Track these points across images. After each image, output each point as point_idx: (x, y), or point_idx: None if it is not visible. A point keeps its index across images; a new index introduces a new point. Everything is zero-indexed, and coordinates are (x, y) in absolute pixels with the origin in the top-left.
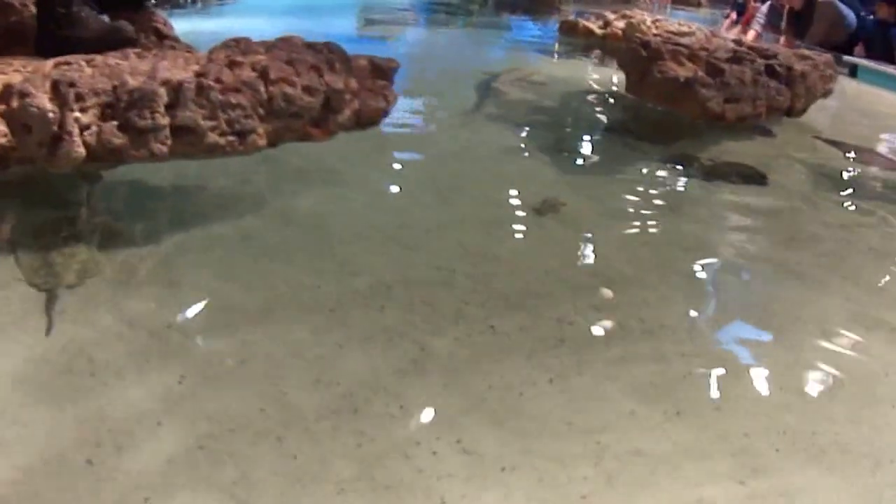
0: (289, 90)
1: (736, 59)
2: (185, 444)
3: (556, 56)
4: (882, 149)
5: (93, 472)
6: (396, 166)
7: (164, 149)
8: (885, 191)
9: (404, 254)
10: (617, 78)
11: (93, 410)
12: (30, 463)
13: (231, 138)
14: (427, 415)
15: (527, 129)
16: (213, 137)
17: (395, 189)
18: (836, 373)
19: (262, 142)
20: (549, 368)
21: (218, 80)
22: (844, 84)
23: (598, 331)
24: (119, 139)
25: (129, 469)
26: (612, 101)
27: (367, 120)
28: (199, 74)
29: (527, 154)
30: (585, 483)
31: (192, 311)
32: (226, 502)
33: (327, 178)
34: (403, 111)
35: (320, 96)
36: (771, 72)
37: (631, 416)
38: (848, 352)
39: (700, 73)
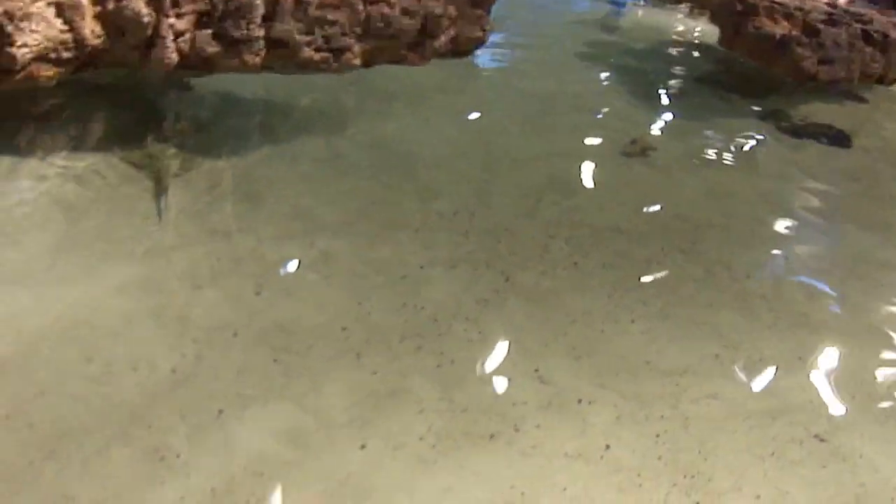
0: (387, 11)
1: (832, 21)
2: (260, 357)
3: (647, 5)
4: None
5: (173, 378)
6: (486, 97)
7: (257, 60)
8: None
9: (490, 182)
10: (705, 30)
11: (172, 318)
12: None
13: (325, 55)
14: (507, 343)
15: (617, 72)
16: (307, 53)
17: (483, 119)
18: None
19: (357, 61)
20: (631, 308)
21: None
22: None
23: (683, 274)
24: (212, 48)
25: (204, 378)
26: (701, 52)
27: (462, 48)
28: None
29: (617, 96)
30: (662, 422)
31: (273, 223)
32: (296, 414)
33: (417, 102)
34: (497, 44)
35: (418, 19)
36: (866, 37)
37: (714, 360)
38: None
39: (795, 32)
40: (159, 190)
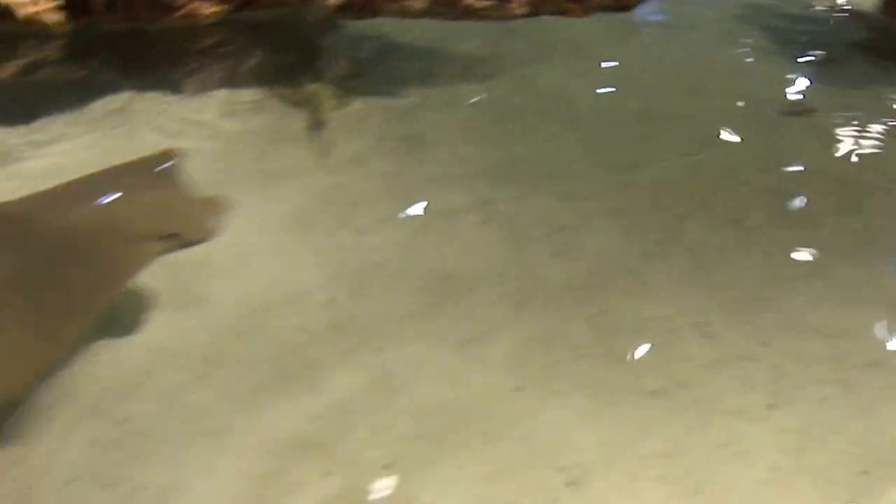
0: None
1: None
2: (420, 299)
3: None
4: None
5: (333, 314)
6: (645, 52)
7: (421, 5)
8: None
9: (650, 136)
10: None
11: (329, 256)
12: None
13: (489, 2)
14: (669, 296)
15: (773, 35)
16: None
17: (640, 74)
18: None
19: (521, 10)
20: (793, 269)
21: None
22: None
23: (850, 238)
24: None
25: (364, 315)
26: (856, 19)
27: (624, 2)
28: None
29: (772, 59)
30: (826, 386)
31: (431, 166)
32: (454, 359)
33: (576, 54)
34: (659, 1)
35: None
36: None
37: (879, 327)
38: None
39: None
40: (317, 128)
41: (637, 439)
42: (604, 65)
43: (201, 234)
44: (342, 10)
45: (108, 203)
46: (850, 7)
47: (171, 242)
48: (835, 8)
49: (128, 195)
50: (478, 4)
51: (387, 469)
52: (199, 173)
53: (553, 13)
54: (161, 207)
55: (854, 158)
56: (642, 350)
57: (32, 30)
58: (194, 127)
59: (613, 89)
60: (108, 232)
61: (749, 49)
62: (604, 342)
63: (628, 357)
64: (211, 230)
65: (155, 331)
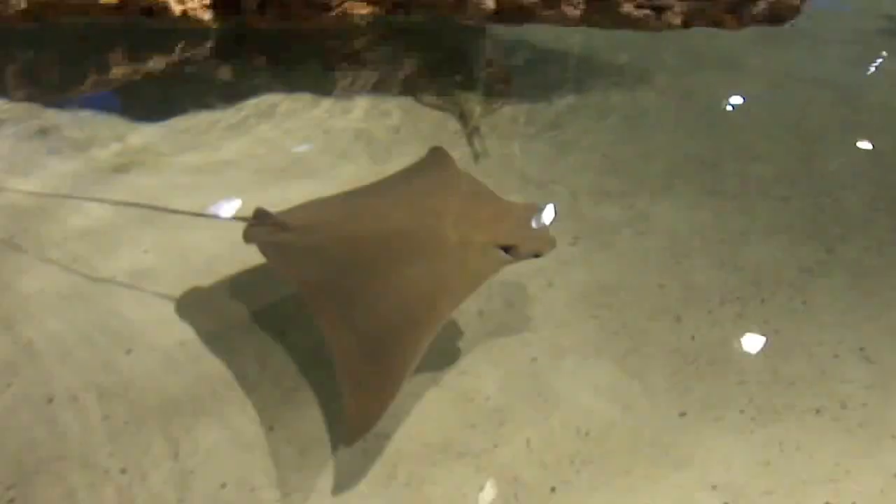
0: None
1: None
2: (575, 309)
3: None
4: None
5: (482, 324)
6: (798, 65)
7: (577, 13)
8: None
9: (807, 150)
10: None
11: None
12: None
13: (647, 12)
14: (831, 317)
15: None
16: (628, 8)
17: (796, 87)
18: None
19: (677, 20)
20: None
21: None
22: None
23: None
24: None
25: (517, 325)
26: None
27: (780, 14)
28: None
29: None
30: None
31: (584, 174)
32: (617, 373)
33: (730, 65)
34: (812, 13)
35: None
36: None
37: None
38: None
39: None
40: (468, 131)
41: (800, 461)
42: (756, 77)
43: (541, 247)
44: (497, 14)
45: (449, 207)
46: None
47: (513, 254)
48: None
49: (456, 200)
50: (635, 14)
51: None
52: (335, 176)
53: (708, 25)
54: (492, 215)
55: None
56: (808, 370)
57: (184, 27)
58: (336, 126)
59: (765, 101)
60: (459, 236)
61: None
62: (770, 362)
63: (795, 378)
64: (551, 243)
65: None
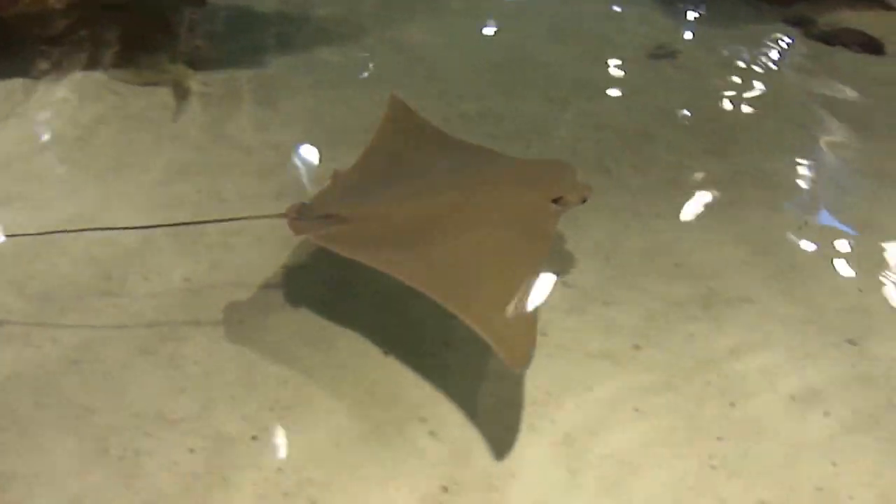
0: None
1: None
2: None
3: None
4: None
5: (187, 288)
6: (507, 4)
7: None
8: None
9: (516, 84)
10: None
11: (189, 231)
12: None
13: None
14: None
15: None
16: None
17: (507, 26)
18: None
19: None
20: (661, 211)
21: None
22: None
23: (712, 177)
24: None
25: (224, 285)
26: None
27: None
28: None
29: (645, 3)
30: (693, 323)
31: (291, 131)
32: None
33: (438, 8)
34: None
35: None
36: None
37: (745, 265)
38: None
39: None
40: (176, 104)
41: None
42: (467, 19)
43: (585, 193)
44: None
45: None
46: None
47: (562, 205)
48: None
49: (483, 161)
50: None
51: None
52: (62, 160)
53: None
54: (528, 172)
55: (720, 98)
56: None
57: None
58: (43, 114)
59: (478, 42)
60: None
61: None
62: None
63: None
64: (589, 189)
65: None
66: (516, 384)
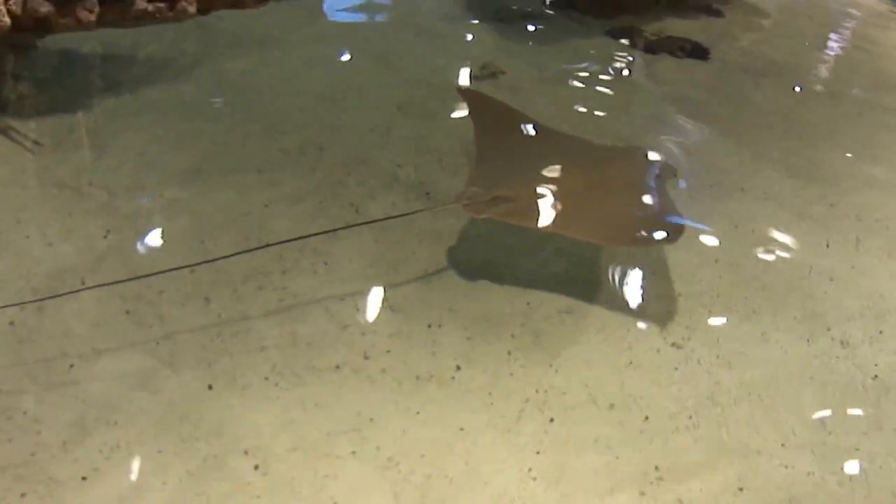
0: None
1: None
2: (109, 306)
3: None
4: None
5: (14, 333)
6: (334, 32)
7: (92, 17)
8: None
9: (338, 115)
10: None
11: (12, 265)
12: None
13: (160, 5)
14: (353, 273)
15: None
16: (141, 4)
17: (331, 53)
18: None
19: (192, 8)
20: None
21: None
22: None
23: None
24: (45, 8)
25: (52, 333)
26: None
27: None
28: None
29: (468, 24)
30: (512, 341)
31: (120, 172)
32: (150, 362)
33: (262, 42)
34: None
35: None
36: None
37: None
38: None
39: None
40: (5, 152)
41: (322, 416)
42: (291, 52)
43: (673, 168)
44: (15, 29)
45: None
46: None
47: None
48: None
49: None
50: (149, 8)
51: None
52: None
53: (228, 7)
54: (621, 156)
55: (543, 115)
56: (329, 329)
57: None
58: None
59: (302, 74)
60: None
61: (444, 17)
62: (289, 328)
63: (314, 339)
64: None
65: None
66: (342, 413)
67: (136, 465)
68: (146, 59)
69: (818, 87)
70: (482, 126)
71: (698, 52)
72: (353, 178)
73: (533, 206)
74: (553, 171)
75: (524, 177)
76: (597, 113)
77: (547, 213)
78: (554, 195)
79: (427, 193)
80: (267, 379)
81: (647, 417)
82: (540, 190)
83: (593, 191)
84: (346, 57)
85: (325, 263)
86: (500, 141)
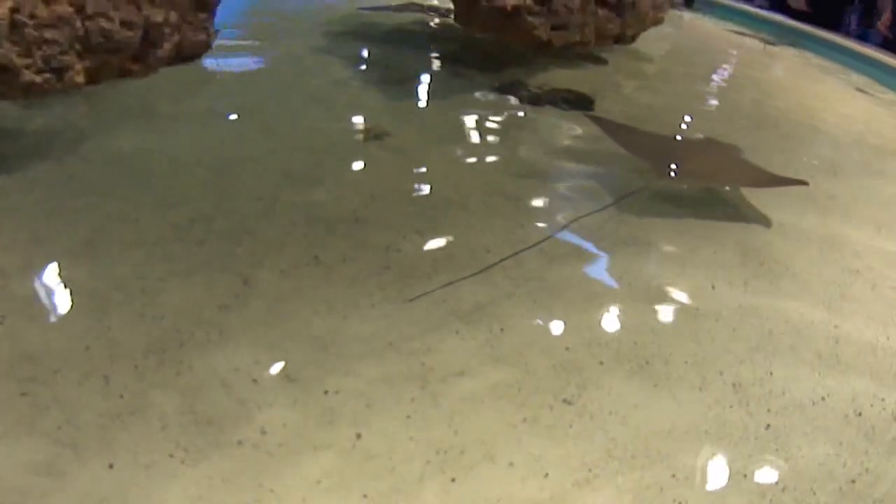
0: (106, 25)
1: None
2: (6, 390)
3: None
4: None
5: None
6: (221, 100)
7: None
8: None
9: (226, 185)
10: (444, 9)
11: None
12: None
13: (48, 76)
14: (248, 344)
15: (355, 61)
16: (28, 76)
17: (219, 122)
18: (676, 297)
19: (81, 79)
20: (371, 294)
21: (32, 16)
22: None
23: (421, 255)
24: None
25: None
26: (442, 31)
27: (188, 54)
28: (13, 10)
29: (355, 85)
30: (411, 404)
31: (10, 253)
32: (50, 447)
33: (150, 113)
34: (230, 46)
35: (139, 30)
36: (600, 0)
37: (457, 336)
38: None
39: (527, 2)
40: None
41: (227, 491)
42: (179, 120)
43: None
44: None
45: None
46: (438, 21)
47: None
48: (423, 23)
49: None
50: (37, 79)
51: None
52: None
53: (117, 76)
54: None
55: (428, 175)
56: (227, 403)
57: None
58: None
59: (191, 143)
60: None
61: (331, 80)
62: (188, 403)
63: (213, 415)
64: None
65: None
66: (246, 486)
67: None
68: (34, 133)
69: (698, 134)
70: (625, 139)
71: (582, 102)
72: (244, 248)
73: (706, 174)
74: (693, 154)
75: (688, 160)
76: (481, 166)
77: (718, 177)
78: (712, 166)
79: (315, 258)
80: (172, 456)
81: (546, 474)
82: (703, 165)
83: (726, 160)
84: (233, 126)
85: (220, 334)
86: (643, 143)
